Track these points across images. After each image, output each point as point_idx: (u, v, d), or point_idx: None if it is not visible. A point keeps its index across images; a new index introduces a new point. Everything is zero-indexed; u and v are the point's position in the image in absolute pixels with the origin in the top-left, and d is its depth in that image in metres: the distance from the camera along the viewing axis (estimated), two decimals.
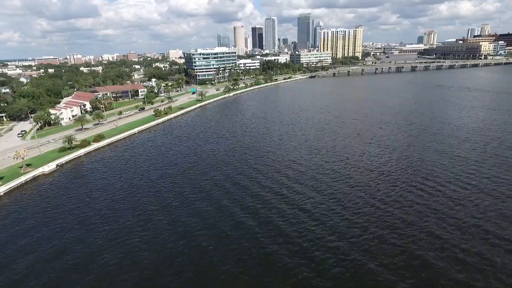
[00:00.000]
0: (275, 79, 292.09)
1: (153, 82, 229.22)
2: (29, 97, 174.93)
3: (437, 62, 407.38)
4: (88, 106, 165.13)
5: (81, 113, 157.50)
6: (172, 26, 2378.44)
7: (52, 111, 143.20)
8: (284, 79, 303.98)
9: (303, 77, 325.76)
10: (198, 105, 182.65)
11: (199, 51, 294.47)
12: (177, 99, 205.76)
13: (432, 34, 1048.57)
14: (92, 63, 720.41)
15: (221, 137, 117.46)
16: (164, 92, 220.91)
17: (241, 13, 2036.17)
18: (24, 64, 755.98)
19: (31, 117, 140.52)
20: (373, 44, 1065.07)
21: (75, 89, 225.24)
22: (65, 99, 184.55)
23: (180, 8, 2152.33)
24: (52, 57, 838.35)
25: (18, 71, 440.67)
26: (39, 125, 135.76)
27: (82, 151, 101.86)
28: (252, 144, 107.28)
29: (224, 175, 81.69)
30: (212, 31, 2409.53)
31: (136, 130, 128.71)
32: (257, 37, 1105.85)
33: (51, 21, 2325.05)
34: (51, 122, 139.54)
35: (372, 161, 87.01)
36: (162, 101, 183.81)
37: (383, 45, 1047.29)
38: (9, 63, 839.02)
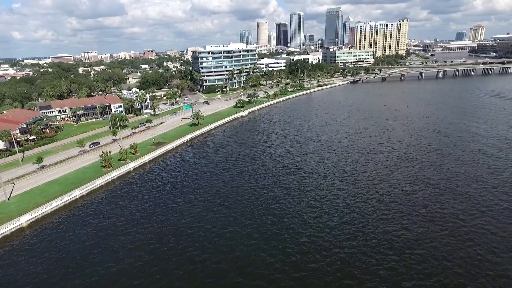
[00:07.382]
0: (307, 87, 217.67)
1: (133, 92, 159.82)
2: None
3: None
4: (1, 143, 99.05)
5: None
6: (196, 23, 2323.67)
7: None
8: (319, 85, 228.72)
9: (343, 82, 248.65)
10: (189, 136, 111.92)
11: (208, 48, 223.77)
12: (164, 121, 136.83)
13: (480, 29, 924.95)
14: (108, 61, 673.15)
15: (209, 232, 46.96)
16: (150, 108, 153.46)
17: (265, 10, 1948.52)
18: (40, 62, 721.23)
19: None
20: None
21: (42, 100, 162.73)
22: None
23: (204, 6, 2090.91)
24: (67, 55, 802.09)
25: (11, 71, 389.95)
26: None
27: None
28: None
29: None
30: (236, 28, 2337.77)
31: (25, 220, 60.03)
32: (282, 33, 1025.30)
33: (81, 20, 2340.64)
34: None
35: None
36: (134, 128, 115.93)
37: (418, 42, 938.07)
38: (28, 61, 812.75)
